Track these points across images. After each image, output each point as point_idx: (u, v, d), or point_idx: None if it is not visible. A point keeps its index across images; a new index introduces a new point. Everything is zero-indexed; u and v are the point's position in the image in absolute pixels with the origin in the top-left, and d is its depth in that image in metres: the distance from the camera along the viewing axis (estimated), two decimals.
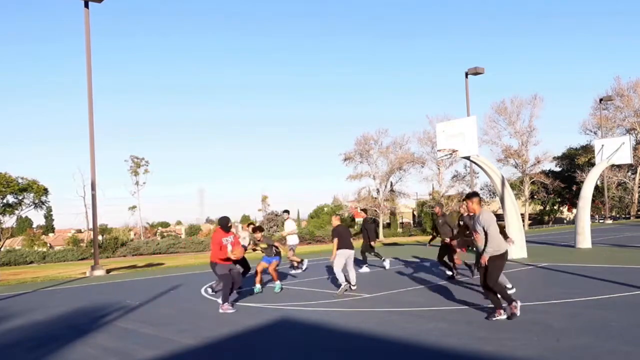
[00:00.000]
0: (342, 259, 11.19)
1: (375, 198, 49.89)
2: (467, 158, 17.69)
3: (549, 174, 52.92)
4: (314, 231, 45.02)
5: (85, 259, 33.40)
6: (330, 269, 14.54)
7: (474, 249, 9.04)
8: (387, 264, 15.39)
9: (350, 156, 50.56)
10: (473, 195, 8.20)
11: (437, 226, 13.39)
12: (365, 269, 15.10)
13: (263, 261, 12.13)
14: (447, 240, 12.44)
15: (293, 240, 16.19)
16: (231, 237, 10.18)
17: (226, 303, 9.74)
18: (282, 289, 12.08)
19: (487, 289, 7.83)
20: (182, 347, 7.14)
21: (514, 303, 7.74)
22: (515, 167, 49.53)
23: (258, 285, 12.02)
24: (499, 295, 7.77)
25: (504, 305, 7.77)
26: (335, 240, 11.18)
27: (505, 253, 7.82)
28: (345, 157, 50.81)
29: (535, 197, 53.27)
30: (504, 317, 7.69)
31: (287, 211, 17.06)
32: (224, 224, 10.20)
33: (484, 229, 7.71)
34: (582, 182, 24.03)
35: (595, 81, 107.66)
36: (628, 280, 10.76)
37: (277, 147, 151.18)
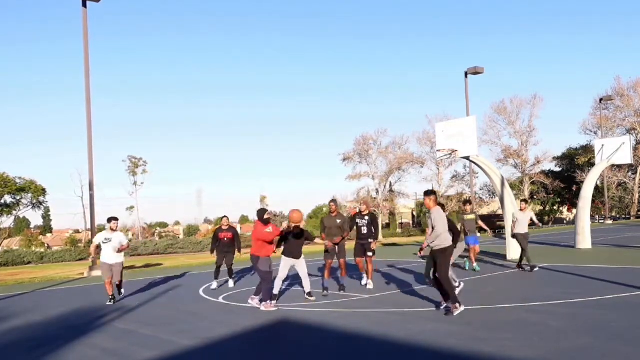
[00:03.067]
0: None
1: (375, 198, 49.84)
2: (467, 158, 17.67)
3: (548, 174, 52.88)
4: (313, 231, 44.90)
5: (83, 260, 33.27)
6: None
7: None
8: (215, 285, 13.32)
9: (349, 156, 50.51)
10: (431, 192, 8.68)
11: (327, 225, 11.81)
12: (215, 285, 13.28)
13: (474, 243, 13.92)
14: (336, 240, 11.37)
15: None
16: (270, 228, 9.89)
17: (269, 300, 9.74)
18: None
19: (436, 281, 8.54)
20: (181, 347, 7.10)
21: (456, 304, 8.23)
22: (515, 167, 49.58)
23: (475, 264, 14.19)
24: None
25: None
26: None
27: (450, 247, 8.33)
28: (344, 157, 50.78)
29: (535, 197, 53.24)
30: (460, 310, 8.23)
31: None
32: (262, 215, 9.96)
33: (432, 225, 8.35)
34: (582, 182, 24.03)
35: (595, 81, 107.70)
36: (628, 280, 10.74)
37: (276, 147, 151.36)
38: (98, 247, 11.61)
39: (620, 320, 7.29)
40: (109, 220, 11.54)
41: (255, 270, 9.97)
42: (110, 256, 11.42)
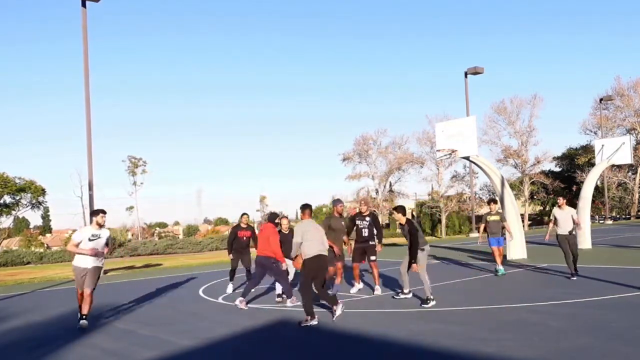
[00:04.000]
0: None
1: (374, 198, 49.80)
2: (467, 158, 17.66)
3: (548, 174, 52.77)
4: None
5: None
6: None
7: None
8: (230, 289, 12.36)
9: (349, 156, 50.44)
10: (305, 207, 9.00)
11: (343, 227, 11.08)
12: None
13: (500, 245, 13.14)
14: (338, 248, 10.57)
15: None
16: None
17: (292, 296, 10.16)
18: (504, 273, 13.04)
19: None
20: (181, 348, 7.09)
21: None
22: (515, 168, 49.37)
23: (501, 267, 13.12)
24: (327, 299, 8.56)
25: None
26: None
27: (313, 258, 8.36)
28: (344, 157, 50.69)
29: (535, 197, 53.16)
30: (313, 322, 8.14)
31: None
32: (274, 219, 10.47)
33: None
34: (582, 182, 24.01)
35: (595, 81, 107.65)
36: (628, 281, 10.73)
37: (276, 147, 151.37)
38: (77, 245, 8.92)
39: (620, 321, 7.28)
40: (96, 212, 9.28)
41: (268, 270, 10.15)
42: (90, 258, 8.92)
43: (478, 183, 52.05)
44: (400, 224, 9.62)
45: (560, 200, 12.25)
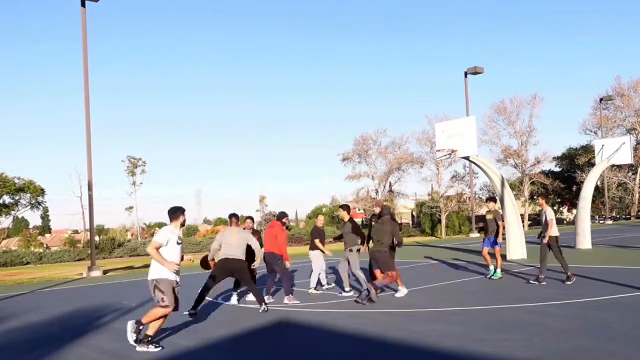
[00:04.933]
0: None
1: (374, 198, 49.77)
2: (467, 158, 17.65)
3: (548, 174, 52.82)
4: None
5: (82, 260, 33.25)
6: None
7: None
8: (234, 298, 11.18)
9: (348, 156, 50.44)
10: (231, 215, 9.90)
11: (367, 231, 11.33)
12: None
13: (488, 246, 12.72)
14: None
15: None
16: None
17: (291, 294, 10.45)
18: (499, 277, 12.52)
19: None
20: (180, 348, 7.08)
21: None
22: (515, 168, 49.38)
23: (498, 270, 12.57)
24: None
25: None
26: None
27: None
28: (343, 157, 50.70)
29: (535, 197, 53.21)
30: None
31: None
32: (281, 218, 11.04)
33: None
34: (582, 182, 24.02)
35: (595, 80, 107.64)
36: (628, 281, 10.73)
37: (275, 147, 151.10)
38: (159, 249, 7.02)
39: (620, 321, 7.27)
40: (182, 210, 7.41)
41: (275, 267, 10.55)
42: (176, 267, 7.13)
43: (478, 183, 52.14)
44: (344, 221, 10.82)
45: (539, 200, 12.00)
